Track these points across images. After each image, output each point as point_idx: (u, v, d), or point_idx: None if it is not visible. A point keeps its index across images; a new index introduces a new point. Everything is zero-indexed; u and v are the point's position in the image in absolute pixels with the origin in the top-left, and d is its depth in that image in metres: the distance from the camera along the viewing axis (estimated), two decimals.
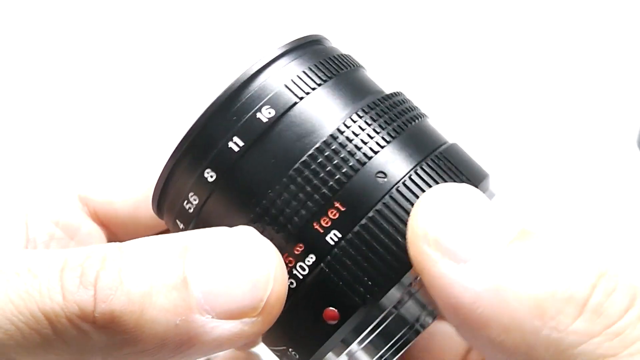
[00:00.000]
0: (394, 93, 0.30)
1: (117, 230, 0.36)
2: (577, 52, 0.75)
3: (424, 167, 0.27)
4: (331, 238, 0.26)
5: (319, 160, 0.27)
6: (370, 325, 0.27)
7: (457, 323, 0.24)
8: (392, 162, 0.27)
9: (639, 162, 0.69)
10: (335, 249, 0.26)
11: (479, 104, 0.73)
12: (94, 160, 0.35)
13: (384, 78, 0.32)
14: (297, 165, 0.27)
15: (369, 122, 0.27)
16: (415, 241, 0.25)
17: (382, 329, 0.28)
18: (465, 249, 0.24)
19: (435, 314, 0.29)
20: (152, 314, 0.24)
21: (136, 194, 0.35)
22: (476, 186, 0.27)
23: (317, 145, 0.27)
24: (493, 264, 0.23)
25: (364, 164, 0.27)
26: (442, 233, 0.24)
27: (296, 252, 0.26)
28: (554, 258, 0.24)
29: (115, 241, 0.35)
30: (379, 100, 0.28)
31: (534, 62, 0.75)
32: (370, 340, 0.28)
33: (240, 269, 0.25)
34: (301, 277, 0.26)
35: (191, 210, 0.28)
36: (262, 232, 0.27)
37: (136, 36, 0.74)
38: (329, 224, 0.26)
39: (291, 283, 0.27)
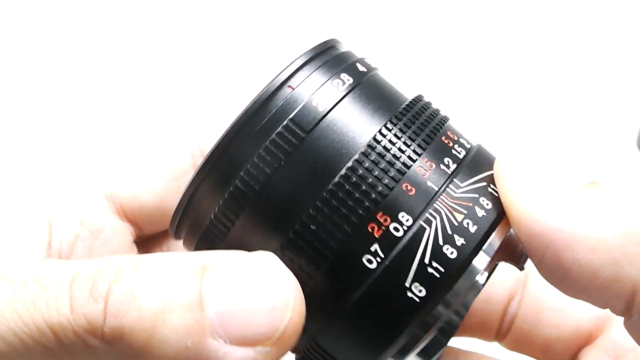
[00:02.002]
0: (417, 98, 0.29)
1: (143, 225, 0.35)
2: (577, 53, 0.75)
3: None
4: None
5: (359, 172, 0.26)
6: (418, 343, 0.27)
7: (543, 250, 0.25)
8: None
9: (639, 162, 0.70)
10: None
11: (479, 104, 0.73)
12: (116, 155, 0.34)
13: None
14: (337, 179, 0.26)
15: (404, 130, 0.27)
16: (513, 189, 0.26)
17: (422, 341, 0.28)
18: (550, 190, 0.26)
19: (462, 314, 0.29)
20: (163, 334, 0.23)
21: (160, 185, 0.34)
22: None
23: (355, 157, 0.26)
24: (576, 199, 0.26)
25: (404, 173, 0.26)
26: (530, 180, 0.26)
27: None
28: (626, 196, 0.26)
29: (142, 237, 0.36)
30: (406, 108, 0.28)
31: (535, 63, 0.75)
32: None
33: (259, 295, 0.24)
34: None
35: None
36: (297, 252, 0.26)
37: (155, 32, 0.73)
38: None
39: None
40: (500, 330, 0.38)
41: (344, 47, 0.31)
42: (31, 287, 0.24)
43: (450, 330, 0.31)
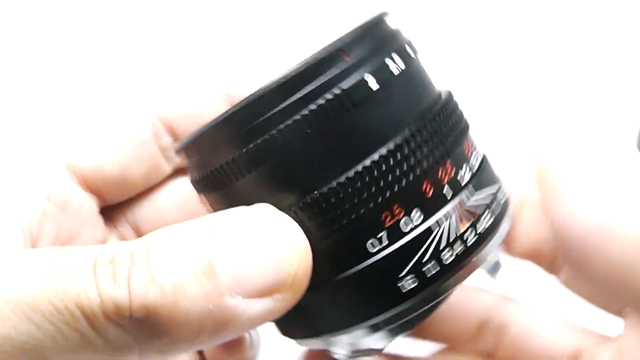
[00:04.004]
0: (450, 97, 0.30)
1: (107, 195, 0.35)
2: (577, 53, 0.74)
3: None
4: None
5: (390, 163, 0.26)
6: (390, 327, 0.28)
7: (583, 242, 0.27)
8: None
9: (639, 162, 0.68)
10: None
11: (479, 105, 0.72)
12: (76, 126, 0.34)
13: None
14: (368, 162, 0.26)
15: (438, 131, 0.28)
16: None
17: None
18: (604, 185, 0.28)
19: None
20: (185, 304, 0.24)
21: (123, 154, 0.35)
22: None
23: (391, 147, 0.27)
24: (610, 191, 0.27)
25: (428, 174, 0.27)
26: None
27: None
28: None
29: (105, 207, 0.36)
30: (443, 107, 0.29)
31: (534, 64, 0.75)
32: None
33: (263, 247, 0.25)
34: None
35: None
36: (310, 217, 0.27)
37: (113, 8, 0.73)
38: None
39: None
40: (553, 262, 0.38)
41: (392, 23, 0.30)
42: (59, 276, 0.25)
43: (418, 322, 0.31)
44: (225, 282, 0.25)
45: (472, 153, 0.29)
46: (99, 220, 0.35)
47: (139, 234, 0.36)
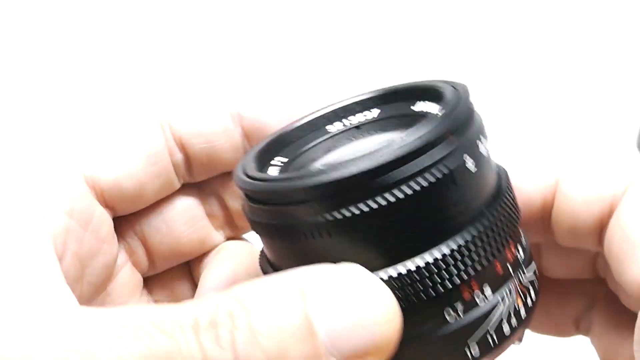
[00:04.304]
0: (507, 175, 0.31)
1: (120, 210, 0.35)
2: (577, 53, 0.75)
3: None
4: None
5: (478, 243, 0.28)
6: None
7: None
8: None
9: (639, 162, 0.69)
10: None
11: (479, 105, 0.72)
12: (93, 139, 0.34)
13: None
14: (462, 242, 0.27)
15: (508, 212, 0.29)
16: None
17: None
18: None
19: None
20: None
21: (140, 170, 0.34)
22: None
23: (480, 228, 0.28)
24: None
25: (500, 253, 0.29)
26: None
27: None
28: None
29: (118, 221, 0.35)
30: (509, 191, 0.30)
31: (534, 63, 0.75)
32: None
33: (359, 308, 0.25)
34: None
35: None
36: (398, 287, 0.27)
37: (122, 16, 0.73)
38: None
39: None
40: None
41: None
42: (161, 340, 0.24)
43: None
44: (323, 343, 0.24)
45: (522, 231, 0.31)
46: (114, 237, 0.35)
47: (147, 246, 0.36)
